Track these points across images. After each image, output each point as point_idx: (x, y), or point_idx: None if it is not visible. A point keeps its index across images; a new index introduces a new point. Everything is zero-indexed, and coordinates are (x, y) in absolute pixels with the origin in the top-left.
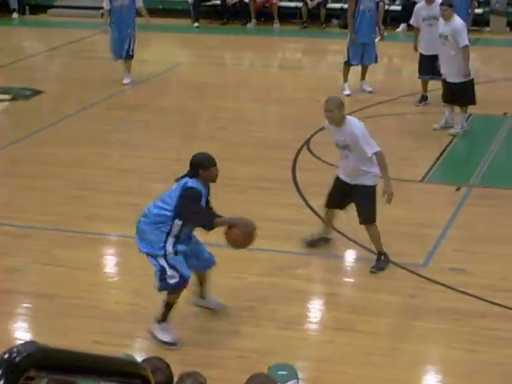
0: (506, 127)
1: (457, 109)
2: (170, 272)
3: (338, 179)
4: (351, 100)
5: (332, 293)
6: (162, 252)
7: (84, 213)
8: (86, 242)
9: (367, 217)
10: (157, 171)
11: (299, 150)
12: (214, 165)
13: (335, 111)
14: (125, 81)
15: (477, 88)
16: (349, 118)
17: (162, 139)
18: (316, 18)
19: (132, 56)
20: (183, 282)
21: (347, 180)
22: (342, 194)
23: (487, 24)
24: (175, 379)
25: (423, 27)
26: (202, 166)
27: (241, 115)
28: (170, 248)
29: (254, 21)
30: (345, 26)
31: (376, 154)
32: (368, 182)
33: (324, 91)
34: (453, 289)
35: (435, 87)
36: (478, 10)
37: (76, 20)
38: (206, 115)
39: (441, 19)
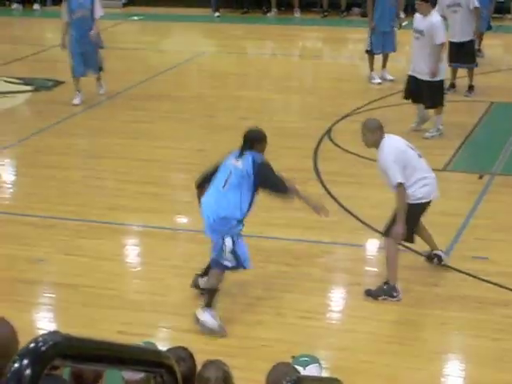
0: None
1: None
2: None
3: None
4: (374, 89)
5: (353, 282)
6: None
7: (106, 203)
8: (108, 232)
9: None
10: (178, 161)
11: (320, 139)
12: (266, 139)
13: (367, 135)
14: (101, 91)
15: (499, 75)
16: (385, 141)
17: (184, 129)
18: (337, 7)
19: (102, 68)
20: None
21: None
22: None
23: (509, 11)
24: (199, 368)
25: (448, 14)
26: (257, 140)
27: (262, 105)
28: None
29: (274, 10)
30: (366, 15)
31: (397, 185)
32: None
33: (345, 80)
34: (475, 277)
35: (463, 75)
36: None
37: None
38: (227, 105)
39: (417, 14)
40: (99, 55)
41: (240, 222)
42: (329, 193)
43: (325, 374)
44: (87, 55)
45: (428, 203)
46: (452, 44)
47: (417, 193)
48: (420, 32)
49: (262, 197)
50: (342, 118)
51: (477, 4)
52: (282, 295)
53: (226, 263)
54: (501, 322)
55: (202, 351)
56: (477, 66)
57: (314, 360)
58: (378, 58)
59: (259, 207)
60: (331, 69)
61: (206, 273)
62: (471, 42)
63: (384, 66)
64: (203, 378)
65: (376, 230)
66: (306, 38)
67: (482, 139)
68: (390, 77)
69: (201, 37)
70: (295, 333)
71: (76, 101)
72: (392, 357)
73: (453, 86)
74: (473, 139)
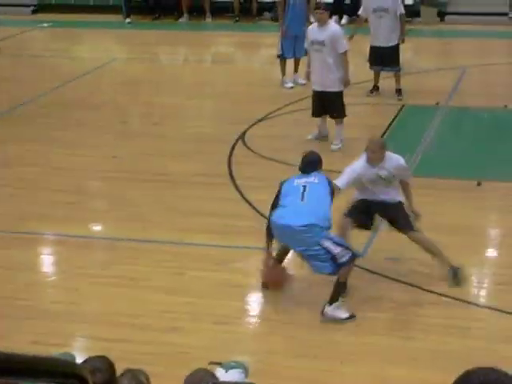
0: (438, 117)
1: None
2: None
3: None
4: (286, 93)
5: None
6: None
7: (20, 212)
8: (22, 242)
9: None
10: (92, 169)
11: (234, 144)
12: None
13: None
14: None
15: (409, 78)
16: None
17: (97, 136)
18: (248, 12)
19: None
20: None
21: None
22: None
23: (418, 15)
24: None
25: (373, 19)
26: (320, 162)
27: (175, 111)
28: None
29: (186, 15)
30: (277, 19)
31: None
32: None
33: (258, 85)
34: (389, 278)
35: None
36: (409, 1)
37: (4, 18)
38: (141, 111)
39: (313, 25)
40: None
41: (324, 228)
42: (244, 198)
43: (247, 380)
44: None
45: None
46: (375, 48)
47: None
48: (320, 43)
49: (180, 203)
50: (256, 122)
51: (403, 10)
52: (198, 301)
53: (343, 260)
54: (414, 321)
55: (122, 359)
56: (400, 70)
57: (240, 366)
58: (290, 63)
59: (177, 213)
60: (244, 74)
61: None
62: (396, 46)
63: (296, 70)
64: None
65: None
66: (218, 44)
67: (394, 141)
68: (302, 81)
69: (112, 43)
70: (212, 338)
71: None
72: (310, 360)
73: (376, 88)
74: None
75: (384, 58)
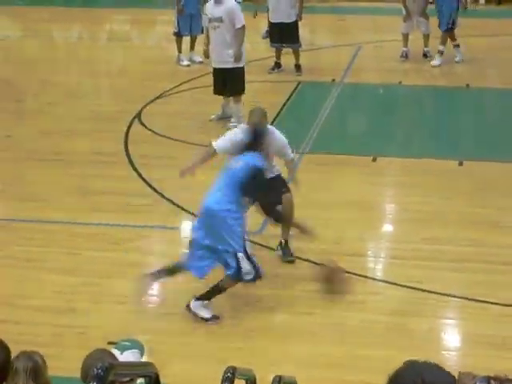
0: (334, 93)
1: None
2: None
3: None
4: (182, 71)
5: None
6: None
7: None
8: None
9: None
10: None
11: (131, 123)
12: None
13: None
14: None
15: (305, 55)
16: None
17: None
18: None
19: None
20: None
21: None
22: None
23: None
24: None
25: None
26: (265, 134)
27: (71, 89)
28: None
29: None
30: None
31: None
32: None
33: (154, 62)
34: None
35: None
36: None
37: None
38: (35, 90)
39: (210, 2)
40: None
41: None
42: (140, 176)
43: (144, 359)
44: None
45: None
46: (274, 25)
47: None
48: (218, 19)
49: (76, 182)
50: (152, 100)
51: None
52: (96, 281)
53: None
54: (314, 297)
55: (17, 342)
56: (301, 46)
57: (135, 345)
58: (186, 41)
59: (72, 192)
60: (140, 51)
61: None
62: (295, 23)
63: (192, 48)
64: (13, 369)
65: (189, 212)
66: (113, 21)
67: (291, 118)
68: (198, 58)
69: (5, 20)
70: (110, 318)
71: None
72: (209, 336)
73: (278, 65)
74: (281, 119)
75: (284, 35)
